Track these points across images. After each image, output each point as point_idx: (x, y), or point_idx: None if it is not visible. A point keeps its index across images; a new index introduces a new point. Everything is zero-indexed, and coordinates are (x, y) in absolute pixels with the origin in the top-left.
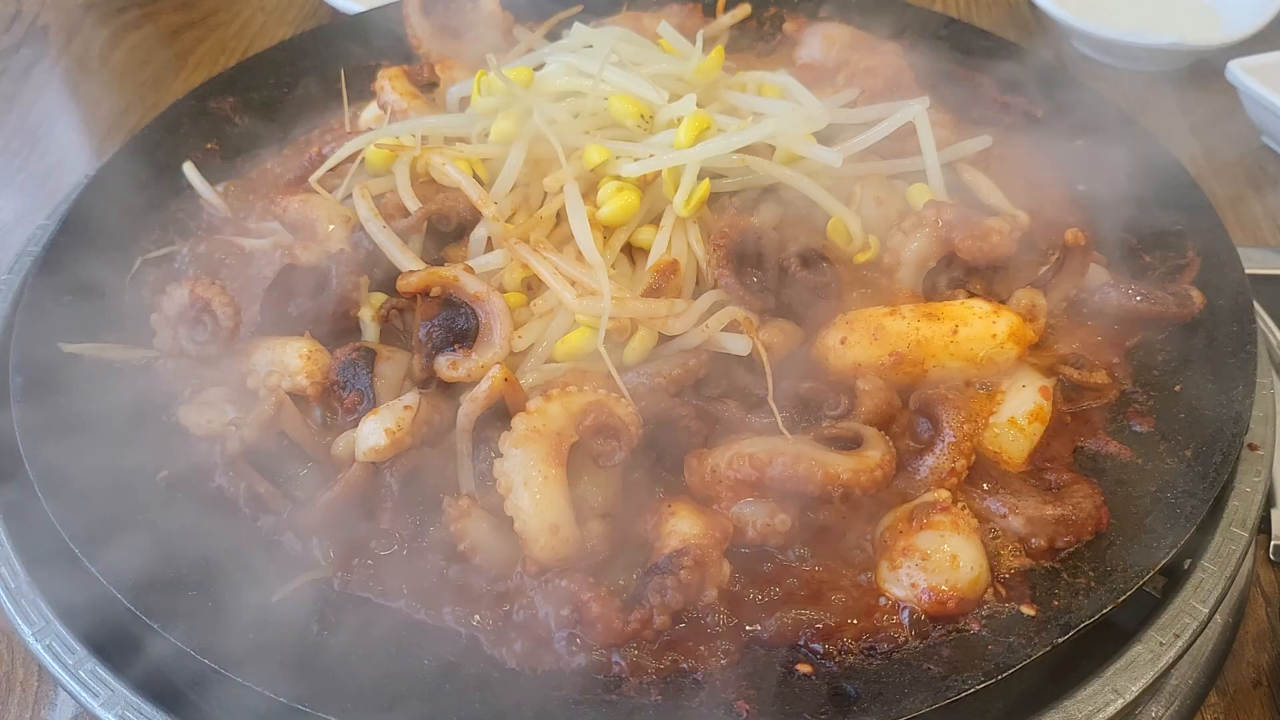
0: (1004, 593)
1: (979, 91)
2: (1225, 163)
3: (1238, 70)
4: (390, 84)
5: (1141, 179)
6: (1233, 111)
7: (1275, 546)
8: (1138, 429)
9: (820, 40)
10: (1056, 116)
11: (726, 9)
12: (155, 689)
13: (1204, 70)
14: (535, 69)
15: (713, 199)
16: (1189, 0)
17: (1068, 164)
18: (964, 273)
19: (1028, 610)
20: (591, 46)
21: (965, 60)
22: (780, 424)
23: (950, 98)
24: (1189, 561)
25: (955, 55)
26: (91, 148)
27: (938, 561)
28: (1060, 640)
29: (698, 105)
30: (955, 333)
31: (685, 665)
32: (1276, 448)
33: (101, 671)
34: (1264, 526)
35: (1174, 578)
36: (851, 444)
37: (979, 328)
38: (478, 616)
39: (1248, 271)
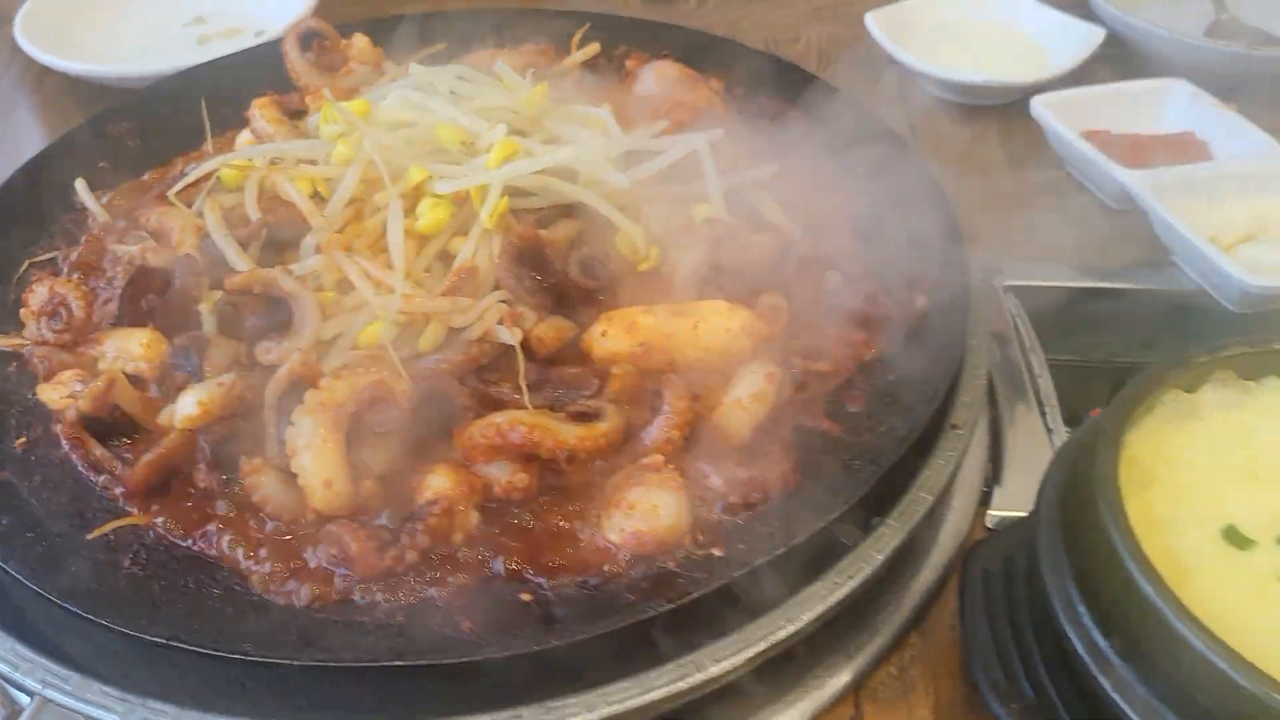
0: (701, 539)
1: (787, 124)
2: (1031, 185)
3: (1038, 105)
4: (260, 112)
5: (910, 202)
6: (1042, 141)
7: (990, 516)
8: (851, 409)
9: (653, 76)
10: (847, 146)
11: (580, 48)
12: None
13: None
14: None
15: (519, 214)
16: (1022, 41)
17: (852, 187)
18: (733, 279)
19: (717, 552)
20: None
21: (780, 96)
22: (526, 399)
23: (759, 129)
24: (877, 519)
25: (772, 92)
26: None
27: (643, 510)
28: (738, 575)
29: (524, 134)
30: (696, 327)
31: (431, 595)
32: (1006, 433)
33: None
34: (986, 500)
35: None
36: (595, 418)
37: (716, 323)
38: (261, 556)
39: (1032, 283)
